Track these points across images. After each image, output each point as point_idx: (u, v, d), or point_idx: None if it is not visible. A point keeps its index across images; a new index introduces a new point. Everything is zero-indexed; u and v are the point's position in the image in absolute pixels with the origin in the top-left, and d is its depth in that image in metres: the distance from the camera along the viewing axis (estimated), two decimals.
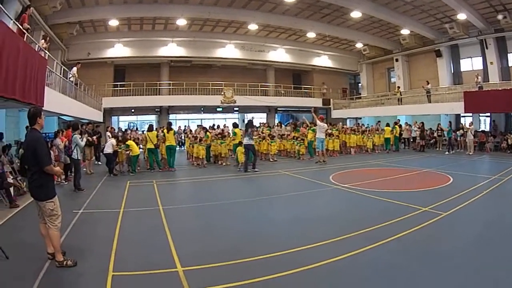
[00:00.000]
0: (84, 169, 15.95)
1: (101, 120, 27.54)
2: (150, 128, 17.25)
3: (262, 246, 6.24)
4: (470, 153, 20.97)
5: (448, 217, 7.72)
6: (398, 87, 31.24)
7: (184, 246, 6.40)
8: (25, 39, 11.03)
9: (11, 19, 11.06)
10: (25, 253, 6.12)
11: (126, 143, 16.39)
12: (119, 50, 30.03)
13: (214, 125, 20.09)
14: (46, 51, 14.37)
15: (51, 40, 22.75)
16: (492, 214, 8.29)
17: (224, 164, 18.58)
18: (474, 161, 18.37)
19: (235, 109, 34.96)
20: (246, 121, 24.26)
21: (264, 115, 36.52)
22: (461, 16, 24.11)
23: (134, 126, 32.84)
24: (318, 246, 6.20)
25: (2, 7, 9.61)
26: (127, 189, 12.39)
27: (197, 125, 27.84)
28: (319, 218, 8.23)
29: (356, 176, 14.10)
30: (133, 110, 32.90)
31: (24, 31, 11.43)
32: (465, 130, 22.37)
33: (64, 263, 5.52)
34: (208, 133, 19.56)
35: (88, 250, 6.29)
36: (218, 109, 33.87)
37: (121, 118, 35.07)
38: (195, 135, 19.61)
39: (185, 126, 30.89)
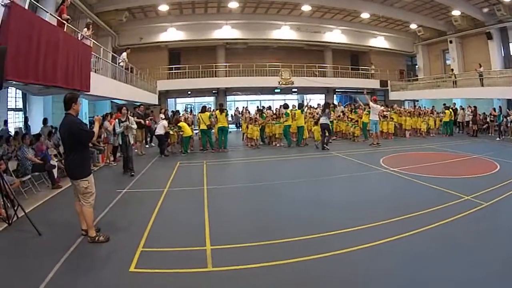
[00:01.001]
0: (135, 150, 16.21)
1: (156, 103, 28.22)
2: (203, 109, 17.69)
3: (295, 228, 6.43)
4: None
5: (489, 208, 7.43)
6: (452, 69, 30.34)
7: (219, 226, 6.62)
8: (65, 29, 11.63)
9: (47, 12, 11.46)
10: (59, 229, 6.56)
11: (178, 124, 16.78)
12: (172, 34, 30.64)
13: (270, 106, 20.28)
14: (90, 39, 14.93)
15: (99, 27, 24.00)
16: None
17: (277, 145, 18.81)
18: None
19: (293, 90, 35.00)
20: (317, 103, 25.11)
21: (323, 96, 36.28)
22: None
23: (190, 107, 33.57)
24: (352, 231, 6.26)
25: (38, 4, 10.20)
26: (175, 169, 12.82)
27: (257, 107, 27.90)
28: (361, 202, 8.29)
29: (406, 160, 14.07)
30: (189, 92, 33.57)
31: (64, 21, 11.92)
32: (510, 119, 21.51)
33: (96, 238, 5.86)
34: (264, 114, 19.68)
35: (123, 227, 6.70)
36: (276, 90, 34.02)
37: (178, 100, 35.82)
38: (250, 116, 19.84)
39: (243, 107, 31.05)
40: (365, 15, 30.61)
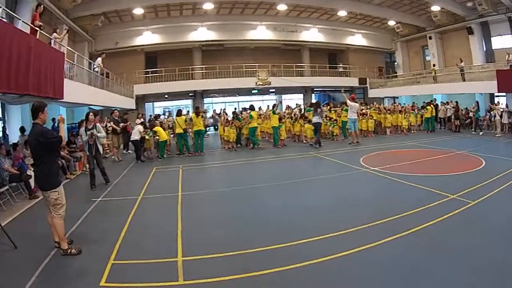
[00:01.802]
0: (113, 157, 16.52)
1: (134, 107, 27.90)
2: (179, 113, 17.49)
3: (272, 236, 6.20)
4: (498, 135, 19.73)
5: (475, 207, 7.18)
6: (434, 64, 30.20)
7: (192, 235, 6.46)
8: (38, 36, 11.46)
9: (19, 19, 11.70)
10: (35, 242, 6.36)
11: (153, 129, 16.51)
12: (148, 38, 30.24)
13: (252, 106, 19.88)
14: (61, 43, 14.70)
15: (75, 33, 24.15)
16: None
17: (255, 148, 18.28)
18: (508, 144, 17.35)
19: (271, 90, 34.78)
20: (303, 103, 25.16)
21: (301, 95, 36.13)
22: None
23: (169, 111, 32.86)
24: (332, 237, 5.99)
25: (9, 11, 10.31)
26: (151, 175, 12.61)
27: (234, 109, 27.57)
28: (341, 205, 8.00)
29: (387, 158, 13.80)
30: (166, 96, 33.25)
31: (36, 28, 11.79)
32: (492, 110, 21.56)
33: (68, 251, 5.74)
34: (240, 116, 19.36)
35: (96, 238, 6.54)
36: (253, 91, 33.83)
37: (156, 104, 35.50)
38: (227, 118, 19.49)
39: (220, 109, 30.66)
40: (342, 13, 30.37)
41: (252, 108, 18.76)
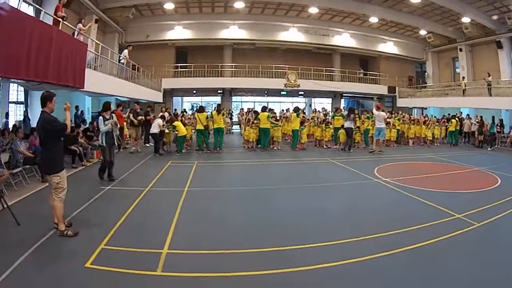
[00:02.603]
0: (133, 148, 16.75)
1: (161, 101, 28.40)
2: (201, 110, 17.63)
3: (266, 238, 6.28)
4: None
5: (478, 230, 6.86)
6: (463, 77, 29.84)
7: (183, 230, 6.62)
8: (60, 27, 11.96)
9: (42, 10, 12.78)
10: (37, 221, 6.76)
11: (173, 124, 16.61)
12: (179, 32, 30.66)
13: (266, 107, 19.94)
14: (86, 34, 15.19)
15: (106, 24, 24.90)
16: None
17: (275, 148, 18.56)
18: None
19: (300, 93, 34.64)
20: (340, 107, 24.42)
21: (330, 100, 36.14)
22: None
23: (197, 106, 33.31)
24: (323, 246, 5.97)
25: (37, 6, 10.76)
26: (164, 168, 12.79)
27: (251, 109, 27.01)
28: (342, 214, 8.03)
29: (403, 170, 13.67)
30: (194, 92, 33.59)
31: (59, 19, 12.22)
32: None
33: (65, 232, 6.08)
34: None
35: (95, 223, 6.87)
36: (282, 93, 33.83)
37: (185, 99, 35.78)
38: (248, 118, 19.58)
39: (241, 109, 30.69)
40: (373, 19, 30.26)
41: (264, 109, 18.69)
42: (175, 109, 27.10)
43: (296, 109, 18.96)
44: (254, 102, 35.42)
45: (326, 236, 6.39)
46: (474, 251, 6.02)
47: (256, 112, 20.01)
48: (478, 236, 6.66)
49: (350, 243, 6.14)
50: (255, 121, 18.31)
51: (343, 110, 22.54)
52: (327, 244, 6.04)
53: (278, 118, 19.83)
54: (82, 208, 7.68)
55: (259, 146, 18.57)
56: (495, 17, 26.48)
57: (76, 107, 19.55)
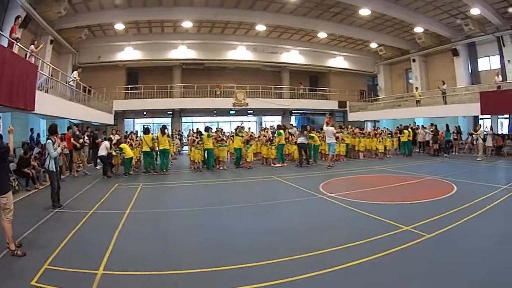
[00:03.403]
0: (84, 171, 16.99)
1: (112, 123, 28.22)
2: (146, 132, 17.68)
3: (203, 258, 6.14)
4: (478, 158, 19.49)
5: (427, 242, 6.45)
6: (416, 88, 30.16)
7: (121, 252, 6.57)
8: (14, 49, 12.59)
9: (1, 34, 13.09)
10: None
11: (120, 146, 16.50)
12: (129, 53, 30.33)
13: (209, 128, 19.68)
14: (37, 56, 15.02)
15: (61, 45, 24.97)
16: (486, 241, 6.64)
17: (221, 168, 18.31)
18: (487, 168, 17.06)
19: (249, 112, 34.54)
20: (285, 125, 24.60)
21: (279, 117, 35.93)
22: (475, 11, 22.93)
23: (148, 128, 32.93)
24: (255, 266, 5.71)
25: None
26: (110, 191, 12.60)
27: (196, 129, 27.26)
28: (277, 232, 7.53)
29: (350, 184, 13.42)
30: (145, 113, 33.24)
31: (13, 40, 12.81)
32: (474, 135, 21.45)
33: (15, 252, 6.28)
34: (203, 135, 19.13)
35: (42, 244, 6.93)
36: (231, 112, 33.65)
37: (137, 120, 35.49)
38: (192, 139, 19.25)
39: (189, 129, 30.29)
40: (322, 35, 30.35)
41: (206, 129, 18.60)
42: (126, 131, 27.26)
43: (237, 128, 19.62)
44: (205, 122, 34.57)
45: (260, 255, 6.12)
46: (419, 266, 5.57)
47: (200, 133, 19.96)
48: (424, 249, 6.23)
49: (279, 263, 5.79)
50: (200, 142, 18.18)
51: (291, 127, 22.81)
52: (257, 265, 5.79)
53: (223, 138, 19.70)
54: (32, 230, 7.86)
55: (205, 166, 18.35)
56: (455, 24, 26.69)
57: (31, 129, 19.85)
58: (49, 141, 10.04)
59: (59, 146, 10.21)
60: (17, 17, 15.25)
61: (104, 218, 9.12)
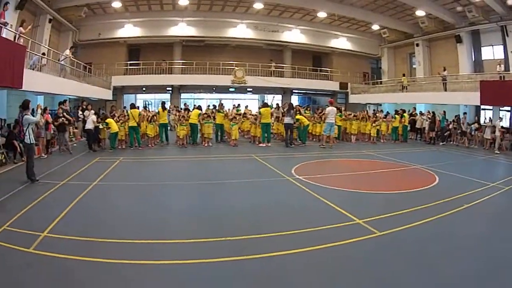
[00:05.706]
0: (75, 144, 17.95)
1: (111, 98, 28.94)
2: (132, 106, 18.42)
3: (140, 232, 6.35)
4: (496, 152, 18.18)
5: (375, 240, 5.90)
6: (404, 74, 30.10)
7: (69, 219, 6.95)
8: (2, 32, 13.33)
9: None
10: None
11: (106, 121, 17.00)
12: (130, 30, 30.38)
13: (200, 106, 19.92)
14: (26, 36, 15.40)
15: (60, 23, 25.55)
16: (448, 245, 5.91)
17: (206, 145, 18.50)
18: (479, 161, 16.08)
19: (248, 89, 34.30)
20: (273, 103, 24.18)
21: (280, 96, 35.17)
22: None
23: (149, 104, 33.47)
24: (185, 242, 5.90)
25: None
26: (88, 164, 12.94)
27: (184, 104, 28.02)
28: (226, 212, 7.60)
29: (326, 167, 13.28)
30: (144, 89, 33.18)
31: (1, 25, 13.38)
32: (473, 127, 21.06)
33: None
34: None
35: (7, 210, 7.34)
36: (230, 89, 33.40)
37: (139, 96, 35.31)
38: (181, 115, 19.44)
39: (173, 106, 30.18)
40: (322, 14, 29.79)
41: (199, 108, 19.54)
42: (125, 107, 27.04)
43: (220, 105, 20.33)
44: (205, 99, 35.40)
45: (196, 233, 6.34)
46: (357, 269, 5.12)
47: (187, 110, 20.40)
48: (371, 249, 5.73)
49: (200, 244, 5.88)
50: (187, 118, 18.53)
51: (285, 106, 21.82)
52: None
53: (210, 115, 19.71)
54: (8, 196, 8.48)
55: (192, 142, 18.95)
56: (458, 10, 25.87)
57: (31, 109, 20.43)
58: (26, 115, 10.41)
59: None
60: (6, 3, 15.71)
61: (69, 190, 9.24)
